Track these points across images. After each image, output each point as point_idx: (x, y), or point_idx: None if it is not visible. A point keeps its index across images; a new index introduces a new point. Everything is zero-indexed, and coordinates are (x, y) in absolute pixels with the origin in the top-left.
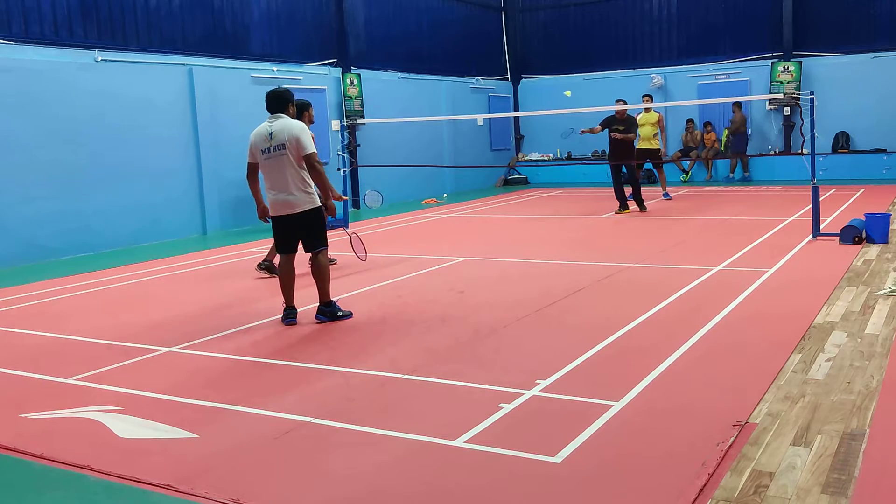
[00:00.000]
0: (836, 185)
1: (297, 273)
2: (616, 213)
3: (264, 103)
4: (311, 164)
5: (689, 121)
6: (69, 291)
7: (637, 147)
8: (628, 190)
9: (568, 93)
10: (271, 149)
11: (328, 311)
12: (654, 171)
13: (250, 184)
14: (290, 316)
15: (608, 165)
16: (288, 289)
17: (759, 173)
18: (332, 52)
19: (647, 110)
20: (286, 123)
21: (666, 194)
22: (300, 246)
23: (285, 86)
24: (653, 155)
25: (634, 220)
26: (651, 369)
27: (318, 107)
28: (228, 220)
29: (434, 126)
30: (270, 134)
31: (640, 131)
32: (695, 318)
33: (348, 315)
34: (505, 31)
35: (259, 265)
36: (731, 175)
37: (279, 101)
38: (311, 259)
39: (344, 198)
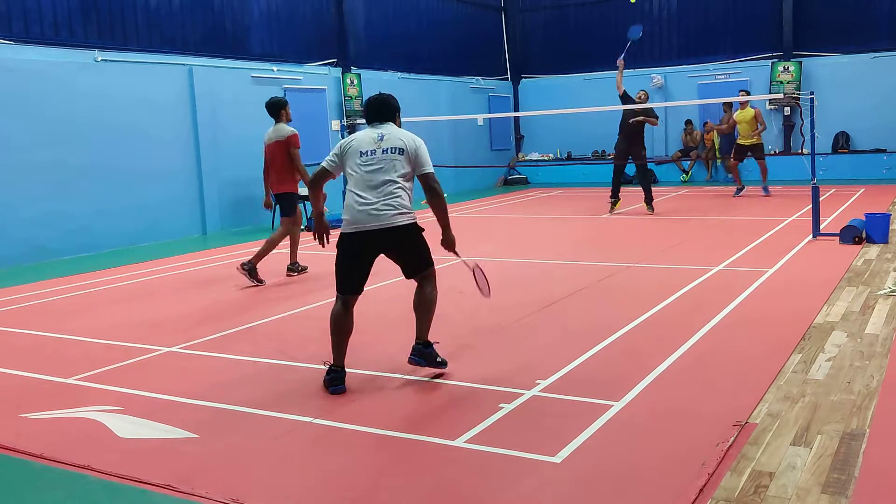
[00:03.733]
0: (836, 185)
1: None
2: (612, 210)
3: (264, 106)
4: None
5: (688, 121)
6: (69, 291)
7: (738, 143)
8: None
9: None
10: None
11: (428, 353)
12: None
13: None
14: (338, 382)
15: (612, 161)
16: None
17: (758, 173)
18: (332, 52)
19: (743, 106)
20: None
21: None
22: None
23: (285, 86)
24: (755, 149)
25: (635, 220)
26: (651, 369)
27: (318, 106)
28: (228, 220)
29: (434, 126)
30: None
31: (739, 129)
32: (695, 318)
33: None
34: (505, 31)
35: None
36: (730, 175)
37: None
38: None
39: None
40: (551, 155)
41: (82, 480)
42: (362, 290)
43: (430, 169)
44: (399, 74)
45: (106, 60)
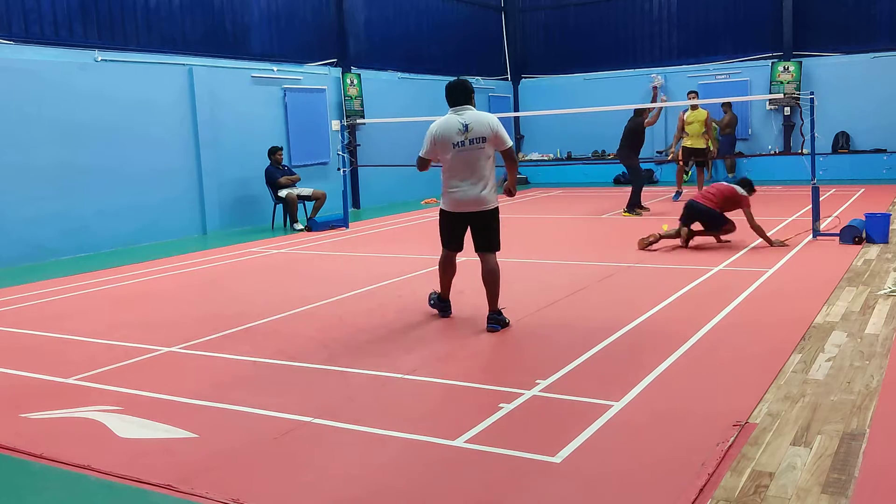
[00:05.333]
0: (836, 185)
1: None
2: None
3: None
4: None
5: None
6: (69, 291)
7: (684, 146)
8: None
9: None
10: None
11: (500, 319)
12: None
13: None
14: (446, 309)
15: (621, 163)
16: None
17: (758, 173)
18: (332, 52)
19: (695, 108)
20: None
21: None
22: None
23: (285, 86)
24: (701, 153)
25: (635, 221)
26: (651, 369)
27: (318, 107)
28: (228, 220)
29: None
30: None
31: (688, 129)
32: (694, 317)
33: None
34: (505, 31)
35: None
36: (730, 175)
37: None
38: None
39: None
40: (551, 155)
41: (82, 480)
42: (462, 247)
43: (509, 144)
44: (399, 74)
45: (106, 60)
